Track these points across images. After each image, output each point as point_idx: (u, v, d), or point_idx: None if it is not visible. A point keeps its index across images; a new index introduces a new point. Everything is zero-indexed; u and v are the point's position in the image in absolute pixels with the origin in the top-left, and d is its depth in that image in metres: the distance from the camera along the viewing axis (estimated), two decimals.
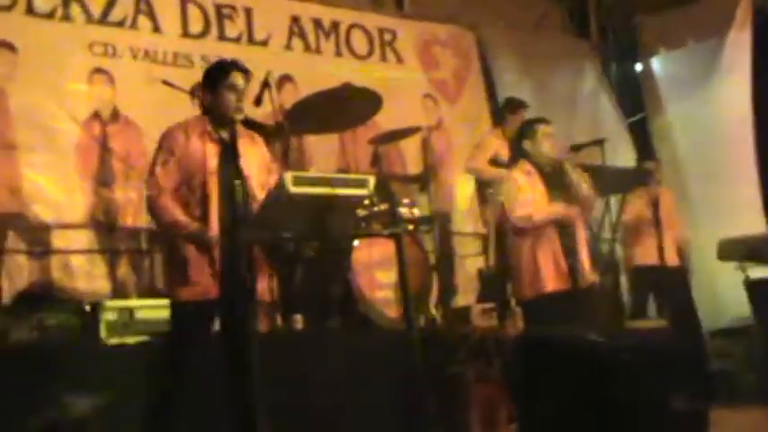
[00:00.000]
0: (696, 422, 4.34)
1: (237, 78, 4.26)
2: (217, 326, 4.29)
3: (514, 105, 7.47)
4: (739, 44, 8.71)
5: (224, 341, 4.17)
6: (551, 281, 5.67)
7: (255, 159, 4.33)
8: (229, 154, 4.18)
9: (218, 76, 4.28)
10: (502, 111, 7.69)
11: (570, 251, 5.75)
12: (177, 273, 4.22)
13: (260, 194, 4.19)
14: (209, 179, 4.18)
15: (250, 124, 4.52)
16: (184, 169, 4.21)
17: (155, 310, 4.97)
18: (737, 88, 8.65)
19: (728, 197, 8.61)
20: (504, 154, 7.25)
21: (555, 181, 5.87)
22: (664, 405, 4.22)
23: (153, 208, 4.24)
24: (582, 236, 5.91)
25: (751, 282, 6.74)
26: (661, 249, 7.36)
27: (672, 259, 7.43)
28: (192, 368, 4.13)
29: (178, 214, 4.17)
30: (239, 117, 4.27)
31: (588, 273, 5.75)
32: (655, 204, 7.47)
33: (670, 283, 7.44)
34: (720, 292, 7.92)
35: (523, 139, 5.95)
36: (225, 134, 4.25)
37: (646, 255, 7.43)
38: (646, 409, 4.15)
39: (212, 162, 4.21)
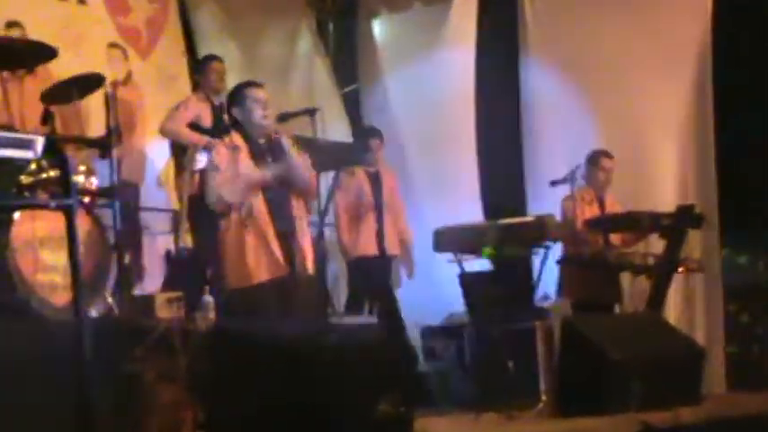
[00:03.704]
0: (399, 428, 4.41)
1: None
2: None
3: (207, 60, 7.57)
4: (465, 11, 8.95)
5: None
6: (260, 270, 5.62)
7: None
8: None
9: None
10: (197, 69, 7.74)
11: (287, 237, 5.70)
12: None
13: None
14: None
15: None
16: None
17: None
18: (462, 59, 8.90)
19: (450, 179, 8.84)
20: (207, 117, 7.27)
21: (267, 155, 5.80)
22: (364, 408, 4.30)
23: None
24: (303, 222, 5.86)
25: (465, 276, 6.86)
26: (380, 237, 7.43)
27: (393, 248, 7.52)
28: None
29: None
30: None
31: (308, 262, 5.73)
32: (374, 185, 7.51)
33: (377, 275, 7.52)
34: (438, 286, 7.97)
35: (233, 106, 5.85)
36: None
37: (364, 243, 7.47)
38: (346, 412, 4.25)
39: None
